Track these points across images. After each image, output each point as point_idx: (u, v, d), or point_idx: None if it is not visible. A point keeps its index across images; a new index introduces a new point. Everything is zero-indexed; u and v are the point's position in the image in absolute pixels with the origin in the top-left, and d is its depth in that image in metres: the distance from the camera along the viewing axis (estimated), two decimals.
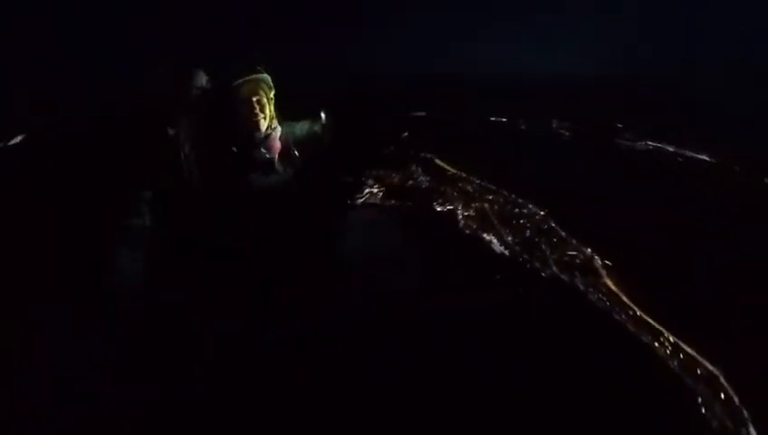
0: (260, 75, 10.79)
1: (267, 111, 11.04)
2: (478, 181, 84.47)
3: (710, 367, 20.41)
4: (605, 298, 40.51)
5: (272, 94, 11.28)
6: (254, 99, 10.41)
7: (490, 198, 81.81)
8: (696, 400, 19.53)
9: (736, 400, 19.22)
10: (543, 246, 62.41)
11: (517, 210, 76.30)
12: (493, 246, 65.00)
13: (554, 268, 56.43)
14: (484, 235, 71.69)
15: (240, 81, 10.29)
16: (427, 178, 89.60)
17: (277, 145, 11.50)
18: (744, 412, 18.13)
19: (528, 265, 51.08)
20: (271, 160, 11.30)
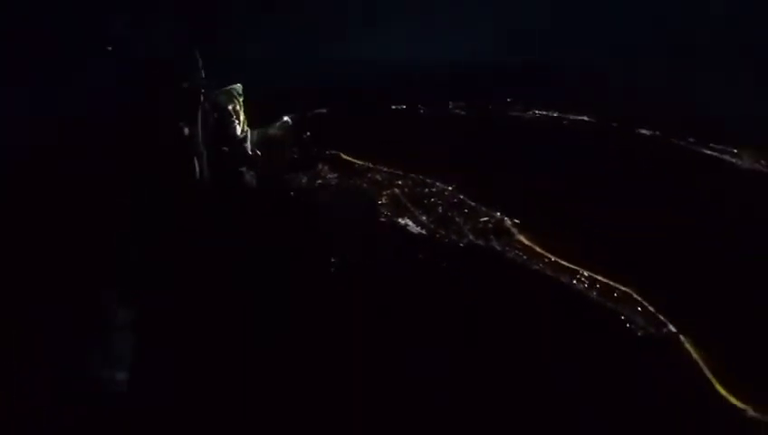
0: (233, 86, 13.82)
1: (240, 117, 14.04)
2: (386, 169, 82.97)
3: (623, 288, 24.69)
4: (521, 253, 44.28)
5: (241, 100, 14.03)
6: (230, 107, 13.61)
7: (399, 183, 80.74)
8: (620, 318, 23.76)
9: (652, 309, 23.35)
10: (457, 219, 62.46)
11: (427, 190, 75.62)
12: (410, 228, 63.97)
13: (470, 237, 56.84)
14: (400, 219, 70.41)
15: (217, 91, 13.11)
16: (335, 175, 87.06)
17: (248, 145, 14.37)
18: (661, 317, 22.25)
19: (446, 240, 51.49)
20: (252, 157, 14.28)
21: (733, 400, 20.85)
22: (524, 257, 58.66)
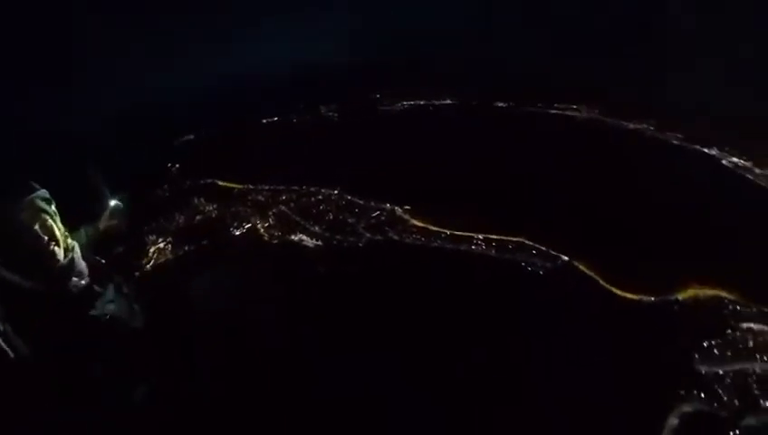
0: (33, 195, 8.16)
1: (57, 233, 8.41)
2: (267, 187, 79.38)
3: (515, 239, 54.17)
4: (419, 235, 70.85)
5: (53, 208, 8.56)
6: (37, 226, 8.01)
7: (284, 198, 77.11)
8: (519, 265, 52.18)
9: (544, 248, 51.63)
10: (349, 220, 62.94)
11: (313, 199, 74.09)
12: (305, 243, 62.77)
13: (367, 234, 58.32)
14: (293, 236, 67.35)
15: (13, 211, 7.90)
16: (214, 205, 79.44)
17: (83, 265, 9.06)
18: (553, 252, 50.61)
19: (345, 244, 73.58)
20: (89, 287, 8.98)
21: (629, 295, 40.34)
22: (423, 239, 62.85)
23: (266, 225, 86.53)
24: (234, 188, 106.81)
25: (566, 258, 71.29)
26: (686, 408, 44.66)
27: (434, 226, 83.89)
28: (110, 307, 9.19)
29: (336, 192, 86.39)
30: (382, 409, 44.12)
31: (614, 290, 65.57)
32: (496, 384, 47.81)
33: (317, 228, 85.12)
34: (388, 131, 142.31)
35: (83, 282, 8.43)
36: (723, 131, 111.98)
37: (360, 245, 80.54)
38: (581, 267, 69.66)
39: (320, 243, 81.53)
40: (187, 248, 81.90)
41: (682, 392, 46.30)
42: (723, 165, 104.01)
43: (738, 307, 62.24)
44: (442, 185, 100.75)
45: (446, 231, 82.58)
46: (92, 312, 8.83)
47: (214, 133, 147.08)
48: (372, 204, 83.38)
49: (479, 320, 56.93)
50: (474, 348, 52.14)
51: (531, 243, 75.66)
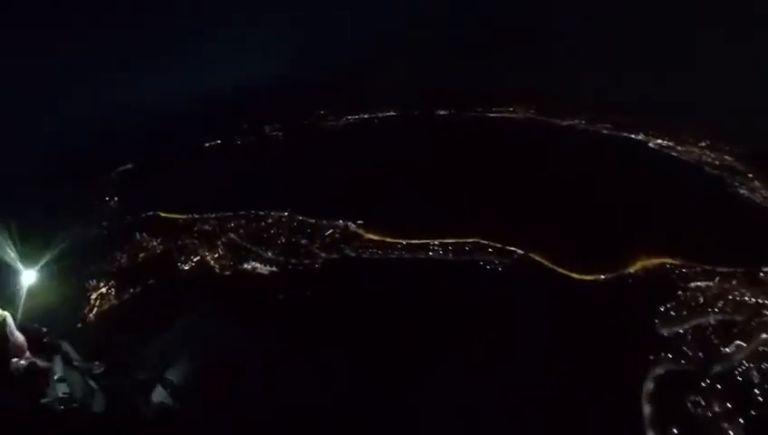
0: None
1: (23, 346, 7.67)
2: (214, 215, 77.72)
3: (470, 240, 69.18)
4: (375, 248, 74.10)
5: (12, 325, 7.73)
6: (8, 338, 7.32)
7: (232, 225, 75.48)
8: (478, 265, 65.26)
9: (499, 245, 67.08)
10: (303, 241, 62.18)
11: (263, 223, 73.21)
12: (259, 271, 62.26)
13: (323, 254, 56.26)
14: (246, 265, 64.58)
15: None
16: (158, 240, 76.89)
17: (20, 338, 7.85)
18: (508, 248, 67.04)
19: (300, 267, 74.51)
20: (32, 365, 7.69)
21: (585, 277, 64.03)
22: (380, 252, 76.91)
23: (216, 256, 75.08)
24: (178, 219, 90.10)
25: (521, 252, 74.55)
26: (659, 371, 48.09)
27: (389, 237, 79.98)
28: (62, 387, 7.63)
29: (286, 213, 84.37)
30: (360, 423, 43.99)
31: (571, 274, 68.97)
32: (476, 381, 48.72)
33: (270, 254, 75.03)
34: (335, 147, 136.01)
35: (23, 362, 6.96)
36: (646, 118, 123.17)
37: (317, 266, 79.27)
38: (537, 258, 72.71)
39: (274, 269, 79.27)
40: (132, 291, 75.76)
41: (651, 357, 49.60)
42: (649, 147, 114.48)
43: (683, 270, 67.89)
44: (392, 196, 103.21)
45: (401, 241, 78.92)
46: (44, 400, 7.29)
47: (153, 161, 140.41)
48: (324, 222, 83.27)
49: (448, 323, 58.12)
50: (448, 350, 53.09)
51: (486, 242, 78.77)
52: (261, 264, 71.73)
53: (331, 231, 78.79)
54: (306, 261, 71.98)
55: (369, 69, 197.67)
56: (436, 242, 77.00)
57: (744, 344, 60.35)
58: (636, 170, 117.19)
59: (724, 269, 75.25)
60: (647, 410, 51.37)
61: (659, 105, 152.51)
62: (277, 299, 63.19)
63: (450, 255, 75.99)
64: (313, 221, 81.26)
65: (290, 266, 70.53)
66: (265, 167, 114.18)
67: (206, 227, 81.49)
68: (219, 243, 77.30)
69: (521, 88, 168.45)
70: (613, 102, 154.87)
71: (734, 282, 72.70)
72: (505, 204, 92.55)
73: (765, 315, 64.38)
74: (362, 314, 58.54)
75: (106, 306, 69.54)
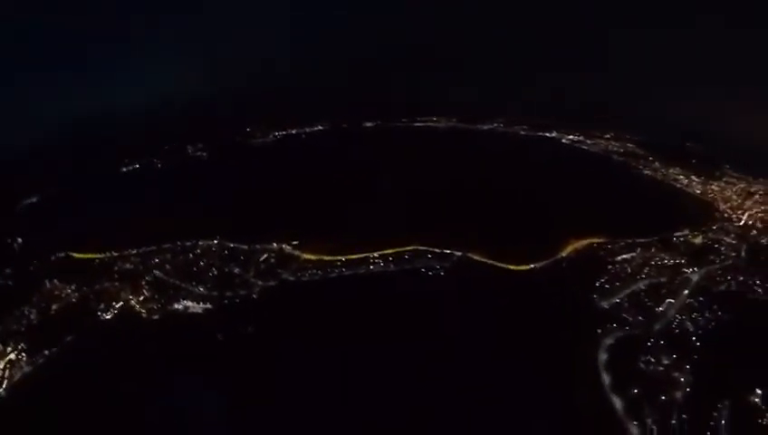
0: None
1: None
2: (135, 251, 70.30)
3: (408, 248, 74.01)
4: (314, 269, 72.38)
5: None
6: None
7: (157, 261, 67.87)
8: (420, 272, 70.44)
9: (438, 250, 73.85)
10: (236, 270, 56.45)
11: (191, 255, 66.37)
12: (192, 310, 55.34)
13: (259, 282, 51.35)
14: (176, 305, 58.98)
15: None
16: (73, 286, 68.41)
17: None
18: (446, 251, 73.82)
19: (237, 299, 69.91)
20: None
21: (523, 267, 71.94)
22: (319, 272, 74.89)
23: (141, 298, 67.07)
24: (94, 259, 77.58)
25: (459, 253, 76.40)
26: (608, 341, 56.90)
27: (327, 256, 77.06)
28: None
29: (215, 241, 78.53)
30: None
31: (510, 267, 72.20)
32: (440, 378, 50.74)
33: (202, 289, 68.54)
34: (264, 165, 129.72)
35: None
36: (558, 118, 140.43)
37: (255, 296, 68.20)
38: (475, 257, 74.90)
39: (208, 305, 66.28)
40: (47, 353, 61.19)
41: (599, 331, 58.54)
42: (563, 142, 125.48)
43: (609, 246, 76.03)
44: (325, 211, 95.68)
45: (340, 258, 76.28)
46: None
47: (63, 192, 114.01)
48: (257, 247, 78.09)
49: (400, 334, 58.20)
50: (406, 361, 53.92)
51: (424, 248, 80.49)
52: (193, 301, 65.88)
53: (265, 256, 75.21)
54: (242, 292, 67.76)
55: (295, 84, 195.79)
56: (375, 254, 76.79)
57: (673, 301, 69.89)
58: (553, 164, 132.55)
59: (643, 240, 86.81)
60: (605, 378, 56.41)
61: (568, 105, 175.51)
62: (215, 341, 58.77)
63: (391, 265, 76.21)
64: (245, 247, 77.24)
65: (225, 300, 65.95)
66: (190, 191, 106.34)
67: (128, 266, 73.70)
68: (144, 283, 69.85)
69: (442, 98, 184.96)
70: (527, 105, 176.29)
71: (653, 249, 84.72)
72: (438, 208, 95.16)
73: (684, 273, 75.98)
74: (309, 344, 56.96)
75: (18, 376, 56.31)
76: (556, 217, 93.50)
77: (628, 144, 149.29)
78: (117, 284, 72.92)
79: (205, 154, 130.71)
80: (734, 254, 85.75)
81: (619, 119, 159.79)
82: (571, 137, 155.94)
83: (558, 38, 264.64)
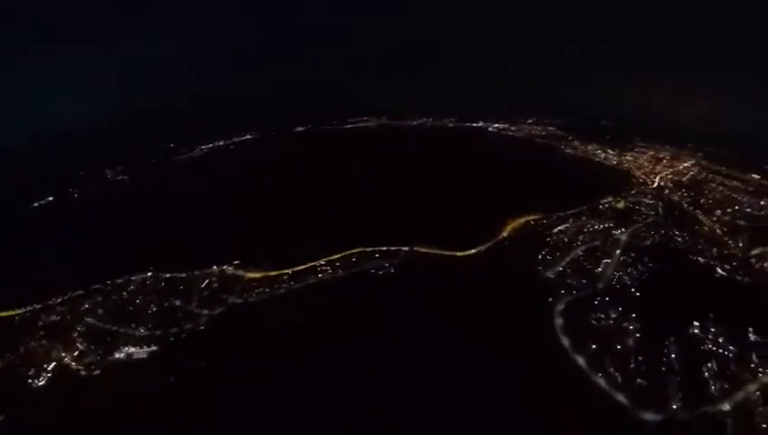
0: None
1: None
2: (60, 299, 64.42)
3: (355, 251, 75.59)
4: (262, 287, 70.38)
5: None
6: None
7: (86, 306, 62.65)
8: (370, 272, 71.61)
9: (384, 248, 76.11)
10: (177, 303, 52.49)
11: (125, 293, 62.24)
12: (136, 356, 52.01)
13: (204, 311, 71.13)
14: (117, 354, 55.27)
15: None
16: None
17: None
18: (393, 248, 76.98)
19: (183, 335, 64.50)
20: None
21: (467, 252, 76.73)
22: (267, 290, 70.86)
23: (76, 353, 59.73)
24: (13, 317, 69.14)
25: (406, 248, 77.58)
26: (560, 307, 61.74)
27: (272, 271, 74.68)
28: None
29: (149, 274, 72.71)
30: None
31: (456, 254, 74.55)
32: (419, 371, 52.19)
33: (142, 330, 62.68)
34: (191, 182, 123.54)
35: None
36: (482, 109, 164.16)
37: (202, 327, 63.45)
38: (422, 249, 76.53)
39: (154, 348, 60.62)
40: None
41: (550, 299, 63.30)
42: (489, 131, 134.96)
43: (544, 221, 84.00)
44: (263, 224, 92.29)
45: (287, 271, 74.18)
46: None
47: None
48: (196, 273, 73.34)
49: (362, 340, 57.48)
50: (371, 363, 53.84)
51: (370, 248, 79.55)
52: (135, 346, 59.63)
53: (206, 282, 70.73)
54: (188, 325, 62.40)
55: (220, 92, 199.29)
56: (322, 262, 75.77)
57: (609, 260, 78.98)
58: (482, 152, 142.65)
59: (574, 211, 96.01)
60: (565, 341, 61.38)
61: (492, 96, 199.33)
62: (168, 386, 53.29)
63: (340, 271, 75.35)
64: (183, 275, 71.81)
65: (171, 338, 60.26)
66: (113, 220, 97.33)
67: (54, 319, 65.14)
68: (75, 335, 62.20)
69: (371, 98, 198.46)
70: (454, 99, 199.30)
71: (583, 218, 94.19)
72: (377, 207, 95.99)
73: (614, 235, 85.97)
74: (267, 369, 54.17)
75: None
76: (492, 201, 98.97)
77: (549, 127, 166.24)
78: (45, 341, 63.54)
79: (126, 177, 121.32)
80: (653, 212, 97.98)
81: (539, 106, 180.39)
82: (496, 125, 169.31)
83: (479, 39, 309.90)
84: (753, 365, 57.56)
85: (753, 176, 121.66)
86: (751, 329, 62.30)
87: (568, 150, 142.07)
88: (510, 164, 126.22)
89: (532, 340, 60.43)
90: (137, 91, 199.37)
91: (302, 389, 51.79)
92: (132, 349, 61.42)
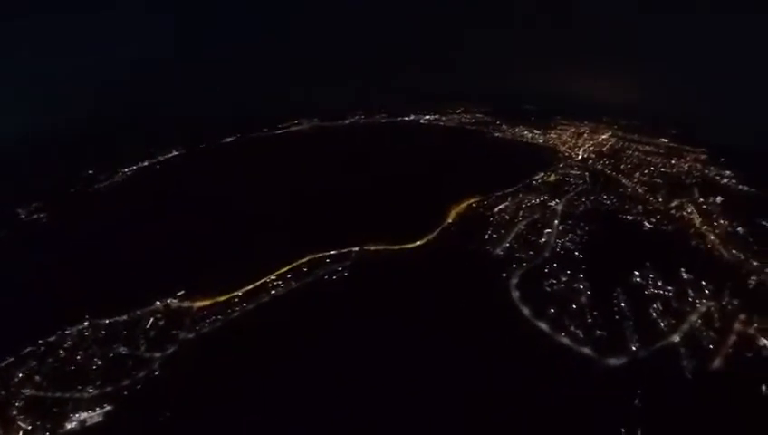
0: None
1: None
2: None
3: (304, 260, 73.80)
4: (213, 315, 65.51)
5: None
6: None
7: (21, 376, 58.26)
8: (324, 277, 71.19)
9: (333, 251, 76.59)
10: (122, 351, 63.92)
11: (62, 352, 59.12)
12: (91, 421, 47.71)
13: (156, 355, 63.31)
14: (69, 425, 52.34)
15: None
16: None
17: None
18: (344, 250, 77.45)
19: (138, 386, 57.65)
20: None
21: (415, 243, 79.03)
22: (220, 317, 66.85)
23: (21, 434, 52.29)
24: None
25: (356, 248, 77.13)
26: (514, 280, 65.63)
27: (221, 295, 69.72)
28: None
29: (86, 323, 66.02)
30: None
31: (407, 246, 75.51)
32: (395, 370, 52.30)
33: (91, 390, 56.86)
34: (116, 211, 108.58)
35: None
36: (412, 103, 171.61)
37: (157, 373, 58.29)
38: (372, 247, 76.55)
39: (108, 407, 54.78)
40: None
41: (504, 274, 67.03)
42: (420, 123, 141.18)
43: (485, 202, 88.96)
44: (202, 246, 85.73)
45: (237, 293, 70.22)
46: None
47: None
48: (138, 312, 67.16)
49: (328, 349, 55.93)
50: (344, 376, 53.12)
51: (319, 254, 77.37)
52: (87, 410, 52.98)
53: (151, 321, 65.02)
54: (141, 374, 57.07)
55: (136, 109, 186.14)
56: (272, 277, 73.02)
57: (550, 230, 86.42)
58: (417, 144, 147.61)
59: (510, 189, 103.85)
60: (525, 310, 65.58)
61: (422, 90, 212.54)
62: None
63: (293, 282, 72.84)
64: (124, 318, 65.43)
65: (125, 393, 54.55)
66: (33, 266, 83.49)
67: None
68: (14, 412, 53.81)
69: (301, 101, 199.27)
70: (383, 95, 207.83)
71: (520, 195, 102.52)
72: (320, 210, 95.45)
73: (551, 206, 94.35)
74: (237, 408, 51.22)
75: None
76: (432, 190, 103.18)
77: (477, 114, 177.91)
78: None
79: (43, 215, 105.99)
80: (581, 181, 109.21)
81: (466, 97, 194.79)
82: (427, 117, 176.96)
83: (404, 36, 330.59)
84: (690, 299, 66.24)
85: (663, 140, 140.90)
86: (682, 269, 72.00)
87: (497, 134, 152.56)
88: (445, 153, 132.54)
89: (494, 315, 63.26)
90: (36, 112, 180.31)
91: (279, 425, 49.34)
92: (84, 414, 53.72)
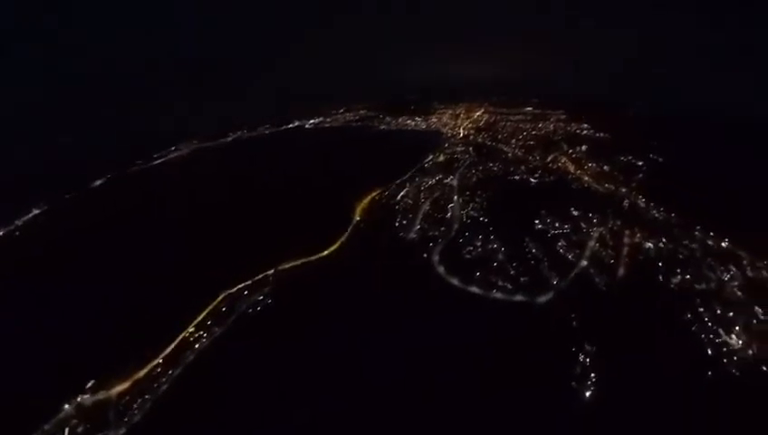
0: None
1: None
2: None
3: (220, 298, 63.34)
4: (138, 397, 49.68)
5: None
6: None
7: None
8: (249, 314, 62.10)
9: (249, 282, 67.91)
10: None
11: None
12: None
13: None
14: None
15: None
16: None
17: None
18: (259, 275, 69.24)
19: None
20: None
21: (333, 247, 74.77)
22: (147, 396, 51.06)
23: None
24: None
25: (271, 271, 69.23)
26: (435, 257, 67.20)
27: (138, 370, 55.11)
28: None
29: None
30: None
31: (323, 254, 71.54)
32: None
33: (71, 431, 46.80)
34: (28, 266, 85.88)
35: None
36: (295, 109, 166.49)
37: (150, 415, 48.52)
38: (288, 265, 70.10)
39: None
40: None
41: (425, 255, 68.79)
42: (306, 127, 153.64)
43: (386, 192, 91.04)
44: (91, 318, 67.03)
45: (156, 361, 56.16)
46: None
47: None
48: (46, 427, 49.65)
49: (290, 386, 48.91)
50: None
51: (234, 289, 66.89)
52: None
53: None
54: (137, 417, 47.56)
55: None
56: (190, 330, 59.80)
57: (453, 204, 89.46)
58: (307, 149, 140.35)
59: (406, 176, 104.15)
60: (454, 281, 66.51)
61: (303, 95, 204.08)
62: None
63: (216, 328, 60.30)
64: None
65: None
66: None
67: None
68: None
69: (174, 127, 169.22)
70: (263, 106, 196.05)
71: (417, 179, 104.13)
72: (220, 241, 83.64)
73: (447, 183, 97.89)
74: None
75: None
76: (331, 191, 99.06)
77: (361, 111, 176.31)
78: None
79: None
80: (467, 156, 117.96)
81: (350, 97, 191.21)
82: (312, 121, 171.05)
83: (273, 42, 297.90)
84: (584, 230, 76.87)
85: (528, 109, 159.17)
86: (572, 208, 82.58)
87: (382, 126, 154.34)
88: (337, 153, 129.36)
89: (426, 296, 62.95)
90: None
91: None
92: None
